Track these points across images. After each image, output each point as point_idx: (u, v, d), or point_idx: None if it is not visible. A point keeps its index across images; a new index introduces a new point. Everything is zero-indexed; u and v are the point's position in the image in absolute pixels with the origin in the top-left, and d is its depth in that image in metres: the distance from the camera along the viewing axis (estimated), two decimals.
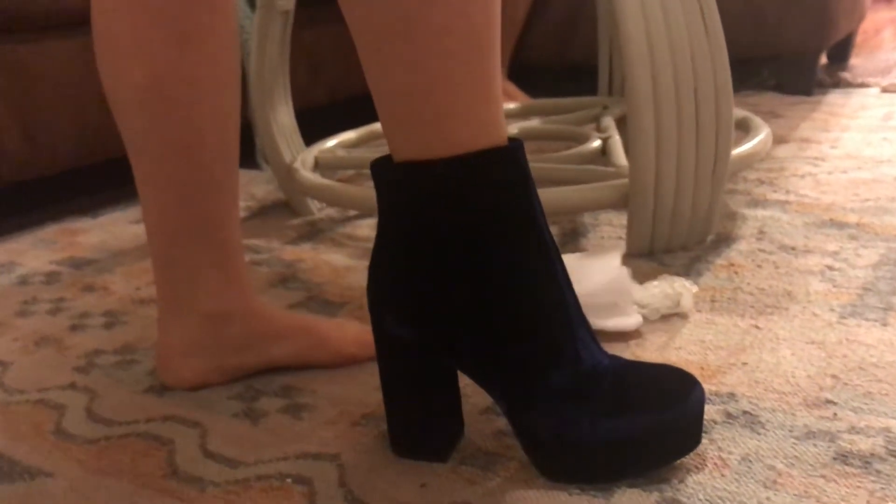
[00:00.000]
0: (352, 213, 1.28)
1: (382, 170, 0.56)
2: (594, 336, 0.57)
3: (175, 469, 0.62)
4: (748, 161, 1.06)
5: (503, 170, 0.54)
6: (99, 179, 1.51)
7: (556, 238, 1.06)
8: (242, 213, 1.33)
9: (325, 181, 1.15)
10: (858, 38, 2.51)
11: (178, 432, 0.67)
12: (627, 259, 0.95)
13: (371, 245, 0.93)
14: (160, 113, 0.67)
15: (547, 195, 0.97)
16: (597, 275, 0.79)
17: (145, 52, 0.65)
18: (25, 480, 0.63)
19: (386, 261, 0.57)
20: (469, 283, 0.54)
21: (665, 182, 0.93)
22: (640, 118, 0.90)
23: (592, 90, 1.74)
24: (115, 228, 1.31)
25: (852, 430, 0.59)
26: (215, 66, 0.68)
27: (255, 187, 1.51)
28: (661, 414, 0.55)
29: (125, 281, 1.05)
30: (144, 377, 0.78)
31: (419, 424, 0.60)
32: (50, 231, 1.33)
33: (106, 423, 0.70)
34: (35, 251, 1.22)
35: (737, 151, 1.04)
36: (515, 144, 0.54)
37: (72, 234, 1.30)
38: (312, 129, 1.43)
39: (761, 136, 1.11)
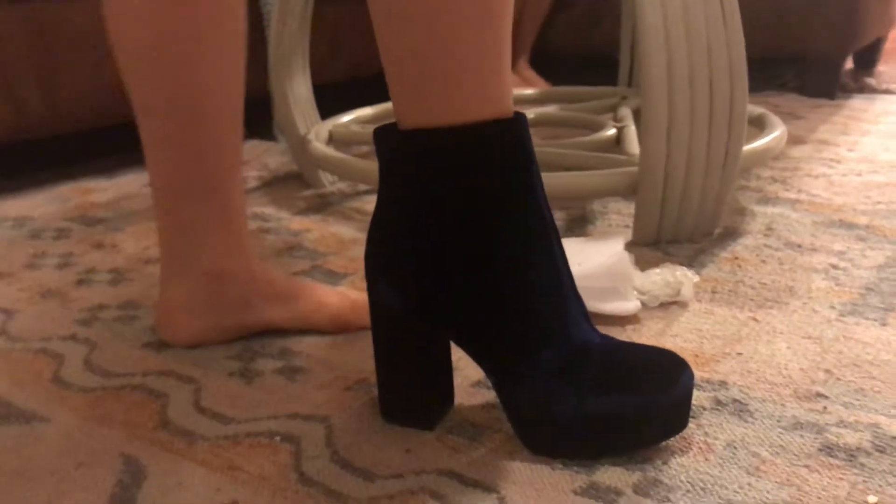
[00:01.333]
0: (362, 187, 1.29)
1: (385, 136, 0.56)
2: (587, 314, 0.58)
3: (167, 421, 0.63)
4: (760, 157, 1.06)
5: (505, 142, 0.54)
6: (117, 140, 1.53)
7: (563, 223, 1.07)
8: (255, 183, 1.34)
9: (338, 154, 1.16)
10: (888, 45, 2.48)
11: (173, 387, 0.68)
12: (632, 247, 0.95)
13: None
14: (166, 71, 0.67)
15: (556, 180, 0.97)
16: (598, 258, 0.79)
17: (153, 9, 0.66)
18: (21, 424, 0.64)
19: (383, 228, 0.57)
20: (464, 254, 0.54)
21: (675, 172, 0.93)
22: (653, 107, 0.90)
23: (613, 80, 1.74)
24: (128, 189, 1.33)
25: (841, 423, 0.59)
26: (221, 26, 0.68)
27: (269, 158, 1.52)
28: (649, 395, 0.55)
29: (134, 240, 1.06)
30: (144, 333, 0.79)
31: (408, 392, 0.60)
32: (65, 189, 1.34)
33: (103, 374, 0.71)
34: (49, 207, 1.24)
35: (749, 147, 1.03)
36: (519, 117, 0.54)
37: (86, 193, 1.31)
38: (331, 104, 1.43)
39: (776, 133, 1.11)
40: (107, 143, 1.53)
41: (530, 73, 2.11)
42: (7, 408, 0.66)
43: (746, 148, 1.02)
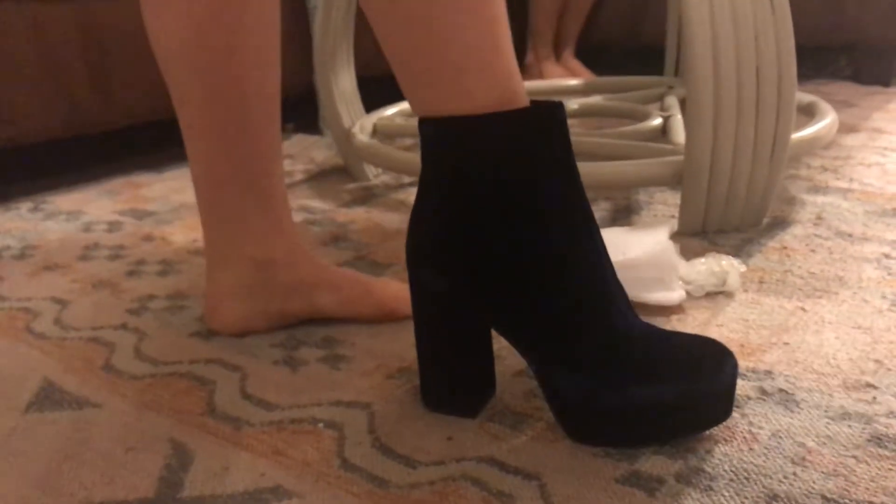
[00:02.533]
0: (406, 179, 1.30)
1: (426, 124, 0.56)
2: (629, 303, 0.57)
3: (213, 408, 0.64)
4: (810, 145, 1.04)
5: (544, 128, 0.54)
6: (167, 135, 1.55)
7: (608, 213, 1.06)
8: (301, 176, 1.36)
9: (382, 146, 1.17)
10: None
11: (220, 374, 0.70)
12: (678, 236, 0.94)
13: None
14: (201, 62, 0.69)
15: (600, 169, 0.96)
16: (643, 247, 0.78)
17: (188, 2, 0.67)
18: (73, 409, 0.65)
19: (425, 214, 0.57)
20: (505, 241, 0.54)
21: (721, 161, 0.91)
22: (699, 96, 0.89)
23: (660, 70, 1.72)
24: (178, 184, 1.35)
25: (891, 414, 0.58)
26: (256, 17, 0.70)
27: (315, 151, 1.53)
28: (692, 384, 0.54)
29: (183, 233, 1.08)
30: (192, 322, 0.80)
31: (450, 379, 0.60)
32: (117, 183, 1.37)
33: (152, 362, 0.73)
34: (101, 201, 1.26)
35: (798, 135, 1.02)
36: (556, 104, 0.54)
37: (137, 187, 1.34)
38: (376, 97, 1.44)
39: (826, 121, 1.09)
40: (156, 138, 1.56)
41: (576, 64, 2.10)
42: (61, 394, 0.68)
43: (795, 136, 1.00)
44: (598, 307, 0.55)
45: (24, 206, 1.25)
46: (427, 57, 0.53)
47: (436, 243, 0.57)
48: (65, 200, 1.28)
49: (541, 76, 2.05)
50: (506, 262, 0.55)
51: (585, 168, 0.98)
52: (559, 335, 0.55)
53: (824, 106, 1.17)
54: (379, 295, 0.77)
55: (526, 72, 2.14)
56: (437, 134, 0.55)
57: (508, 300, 0.55)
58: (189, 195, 1.27)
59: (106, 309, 0.85)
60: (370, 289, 0.77)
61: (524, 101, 0.55)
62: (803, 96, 1.23)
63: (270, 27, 0.71)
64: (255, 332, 0.76)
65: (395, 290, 0.77)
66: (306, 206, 1.18)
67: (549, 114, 0.54)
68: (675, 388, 0.54)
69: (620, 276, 0.76)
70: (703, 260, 0.81)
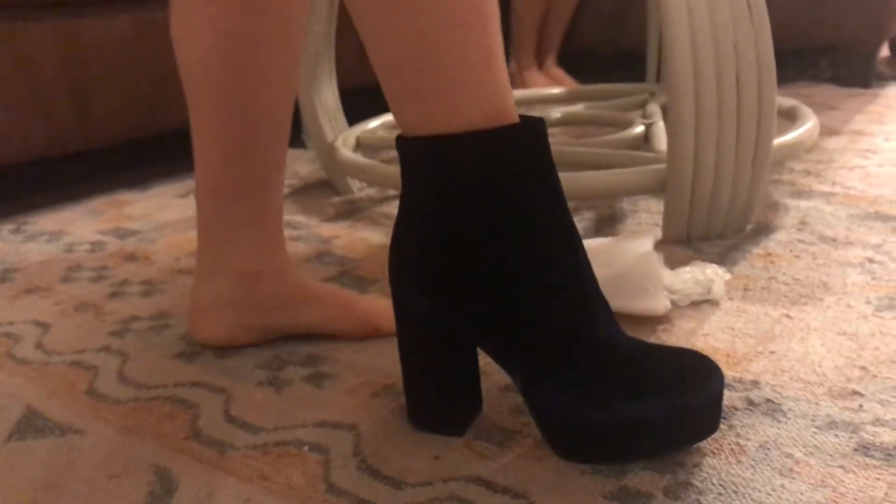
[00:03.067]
0: (391, 192, 1.29)
1: (404, 143, 0.56)
2: (613, 316, 0.57)
3: (197, 432, 0.64)
4: (792, 151, 1.04)
5: (526, 145, 0.53)
6: (150, 153, 1.55)
7: (592, 222, 1.06)
8: (285, 191, 1.35)
9: (365, 160, 1.16)
10: None
11: (204, 397, 0.69)
12: (663, 245, 0.94)
13: None
14: (219, 70, 0.70)
15: (584, 178, 0.96)
16: (627, 257, 0.78)
17: (218, 11, 0.68)
18: (56, 436, 0.65)
19: (407, 233, 0.57)
20: (488, 260, 0.54)
21: (703, 169, 0.91)
22: (680, 103, 0.89)
23: (642, 77, 1.72)
24: (161, 201, 1.34)
25: (877, 422, 0.58)
26: (280, 36, 0.71)
27: (299, 165, 1.53)
28: (679, 398, 0.54)
29: (166, 252, 1.08)
30: (176, 343, 0.79)
31: (436, 398, 0.60)
32: (100, 202, 1.36)
33: (136, 385, 0.72)
34: (84, 221, 1.25)
35: (780, 140, 1.02)
36: (537, 120, 0.54)
37: (120, 206, 1.33)
38: (359, 110, 1.44)
39: (807, 125, 1.09)
40: (140, 155, 1.56)
41: (558, 72, 2.10)
42: (43, 420, 0.67)
43: (777, 141, 1.00)
44: (583, 324, 0.55)
45: (6, 228, 1.24)
46: (416, 72, 0.53)
47: (418, 262, 0.56)
48: (47, 221, 1.27)
49: (523, 85, 2.05)
50: (490, 281, 0.54)
51: (568, 178, 0.97)
52: (544, 353, 0.55)
53: (805, 110, 1.18)
54: (363, 311, 0.77)
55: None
56: (415, 152, 0.55)
57: (493, 319, 0.55)
58: (172, 213, 1.27)
59: (89, 331, 0.84)
60: (354, 305, 0.77)
61: (513, 117, 0.54)
62: (784, 101, 1.23)
63: (292, 46, 0.73)
64: (237, 345, 0.76)
65: (380, 306, 0.77)
66: (290, 221, 1.17)
67: (529, 131, 0.53)
68: (661, 404, 0.54)
69: (605, 286, 0.76)
70: (687, 269, 0.81)
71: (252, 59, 0.70)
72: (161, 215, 1.26)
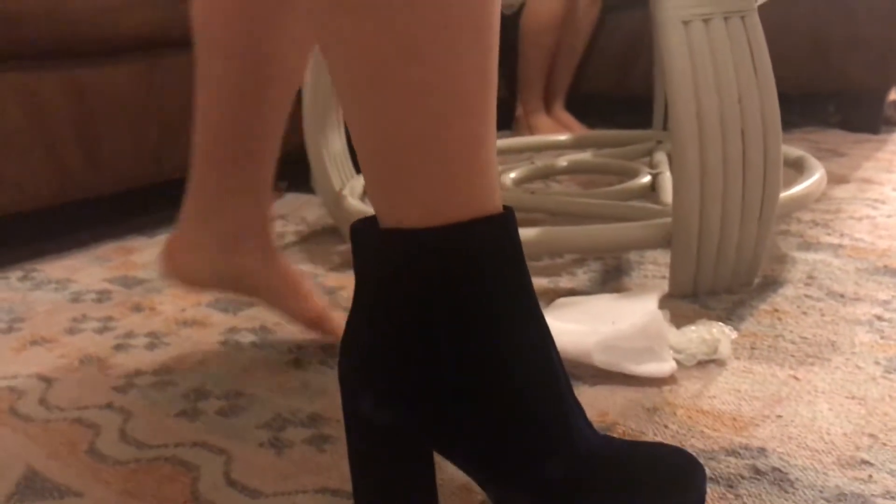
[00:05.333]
0: None
1: (362, 234, 0.51)
2: (586, 417, 0.53)
3: (197, 496, 0.63)
4: (799, 204, 1.04)
5: (495, 243, 0.49)
6: (157, 199, 1.55)
7: (598, 274, 1.06)
8: (293, 238, 1.35)
9: (372, 209, 1.16)
10: None
11: (205, 459, 0.68)
12: (668, 299, 0.94)
13: None
14: (237, 27, 0.74)
15: (589, 232, 0.96)
16: (632, 317, 0.78)
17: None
18: (55, 499, 0.64)
19: (364, 335, 0.51)
20: (455, 362, 0.49)
21: (710, 224, 0.91)
22: (685, 158, 0.89)
23: (650, 121, 1.73)
24: None
25: (887, 494, 0.57)
26: (299, 38, 0.75)
27: (307, 211, 1.53)
28: (664, 501, 0.51)
29: (172, 302, 1.08)
30: (179, 400, 0.79)
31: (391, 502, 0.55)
32: (107, 249, 1.37)
33: (137, 445, 0.72)
34: (91, 268, 1.26)
35: (787, 193, 1.02)
36: (505, 214, 0.49)
37: (127, 253, 1.34)
38: None
39: (814, 177, 1.09)
40: (147, 202, 1.56)
41: (566, 116, 2.11)
42: (42, 482, 0.67)
43: (784, 194, 1.00)
44: (558, 427, 0.51)
45: (14, 276, 1.25)
46: (392, 162, 0.48)
47: (375, 366, 0.51)
48: (55, 268, 1.28)
49: (530, 129, 2.06)
50: (454, 384, 0.49)
51: (574, 232, 0.97)
52: (518, 459, 0.50)
53: (812, 161, 1.18)
54: (312, 305, 0.84)
55: (515, 125, 2.15)
56: (374, 244, 0.50)
57: (460, 429, 0.50)
58: None
59: (92, 387, 0.84)
60: (309, 297, 0.84)
61: (487, 210, 0.49)
62: (791, 151, 1.23)
63: (306, 38, 0.76)
64: (200, 286, 0.83)
65: (334, 314, 0.84)
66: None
67: (499, 228, 0.49)
68: None
69: (611, 348, 0.76)
70: (693, 327, 0.80)
71: (273, 23, 0.74)
72: None
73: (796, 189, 1.04)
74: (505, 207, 0.51)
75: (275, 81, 0.77)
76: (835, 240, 1.13)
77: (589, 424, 0.53)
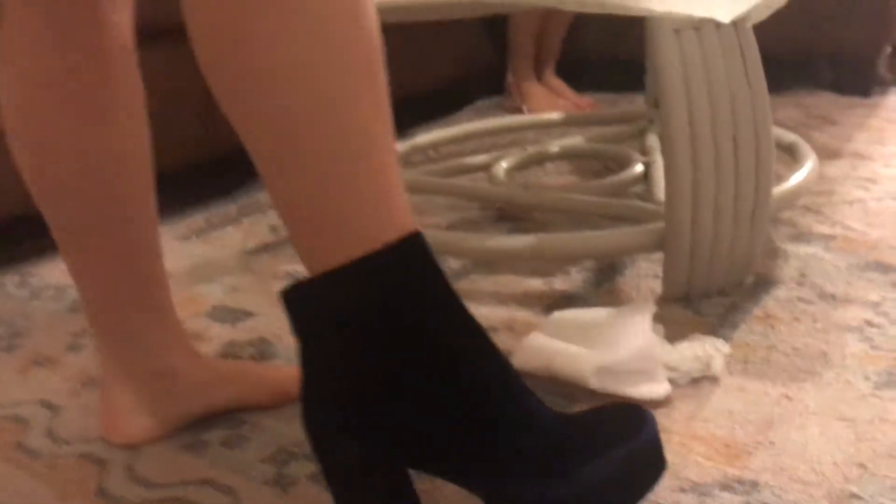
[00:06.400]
0: None
1: (296, 294, 0.55)
2: (537, 397, 0.58)
3: None
4: (791, 199, 1.05)
5: (406, 265, 0.54)
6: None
7: (592, 275, 1.06)
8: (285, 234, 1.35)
9: None
10: None
11: (212, 498, 0.70)
12: (661, 306, 0.95)
13: None
14: (89, 193, 0.71)
15: (580, 239, 0.97)
16: (627, 339, 0.79)
17: (70, 137, 0.69)
18: None
19: (322, 385, 0.56)
20: (407, 388, 0.54)
21: (702, 229, 0.92)
22: (677, 163, 0.89)
23: (642, 85, 1.70)
24: (167, 249, 1.34)
25: None
26: (133, 138, 0.74)
27: None
28: (627, 443, 0.57)
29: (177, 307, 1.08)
30: (184, 433, 0.80)
31: None
32: None
33: (146, 484, 0.73)
34: None
35: (779, 189, 1.02)
36: (415, 236, 0.54)
37: None
38: None
39: (805, 170, 1.09)
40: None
41: (557, 82, 2.09)
42: None
43: (776, 190, 1.00)
44: (519, 413, 0.56)
45: (11, 282, 1.25)
46: (306, 206, 0.54)
47: (341, 408, 0.56)
48: (51, 270, 1.27)
49: (521, 96, 2.04)
50: (413, 407, 0.54)
51: (569, 239, 0.98)
52: (494, 456, 0.55)
53: (805, 149, 1.18)
54: (271, 381, 0.82)
55: (506, 93, 2.13)
56: (306, 305, 0.55)
57: (427, 445, 0.55)
58: (175, 259, 1.27)
59: (96, 414, 0.85)
60: (262, 376, 0.82)
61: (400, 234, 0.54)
62: (784, 135, 1.23)
63: (144, 147, 0.76)
64: (155, 440, 0.79)
65: (286, 373, 0.81)
66: (293, 271, 1.17)
67: (409, 250, 0.54)
68: (616, 454, 0.56)
69: (606, 373, 0.77)
70: (686, 343, 0.82)
71: (117, 171, 0.72)
72: (169, 266, 1.26)
73: (788, 184, 1.05)
74: (413, 232, 0.54)
75: (129, 217, 0.74)
76: (826, 229, 1.13)
77: (539, 401, 0.57)
